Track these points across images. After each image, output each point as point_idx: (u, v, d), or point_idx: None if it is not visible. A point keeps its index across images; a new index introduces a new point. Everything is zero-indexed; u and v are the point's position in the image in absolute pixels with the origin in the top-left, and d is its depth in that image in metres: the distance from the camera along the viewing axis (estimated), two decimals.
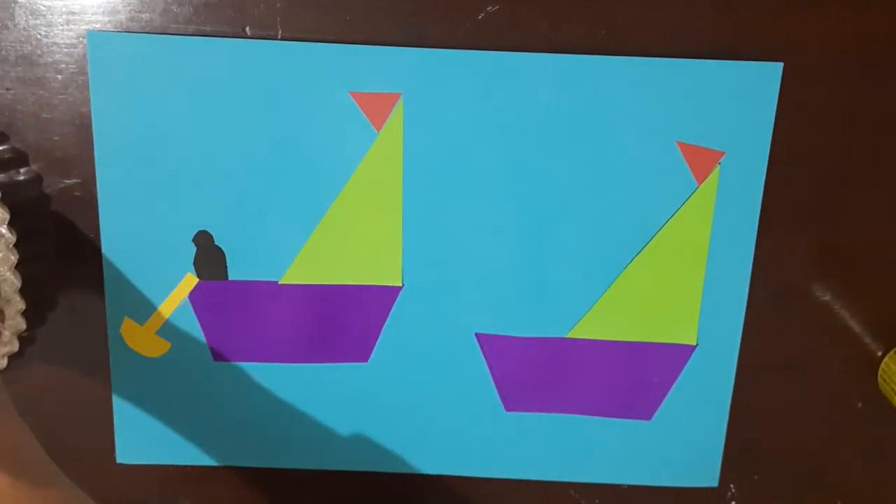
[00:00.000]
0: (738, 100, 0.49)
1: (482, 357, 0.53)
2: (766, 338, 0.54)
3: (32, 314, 0.50)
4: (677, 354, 0.53)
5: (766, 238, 0.52)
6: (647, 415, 0.54)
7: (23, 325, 0.48)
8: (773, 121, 0.49)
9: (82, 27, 0.48)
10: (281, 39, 0.48)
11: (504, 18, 0.48)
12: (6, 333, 0.48)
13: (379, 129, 0.49)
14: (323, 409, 0.54)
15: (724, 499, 0.57)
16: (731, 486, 0.57)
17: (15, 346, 0.48)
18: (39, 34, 0.48)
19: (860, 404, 0.55)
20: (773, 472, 0.57)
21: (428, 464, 0.55)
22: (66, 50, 0.48)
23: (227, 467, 0.55)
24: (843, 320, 0.54)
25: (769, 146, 0.50)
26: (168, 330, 0.52)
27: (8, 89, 0.48)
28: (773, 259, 0.52)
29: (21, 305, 0.48)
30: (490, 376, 0.54)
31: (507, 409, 0.54)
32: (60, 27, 0.47)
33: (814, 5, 0.48)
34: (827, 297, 0.53)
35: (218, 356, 0.53)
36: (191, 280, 0.52)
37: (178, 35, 0.48)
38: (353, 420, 0.54)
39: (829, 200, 0.51)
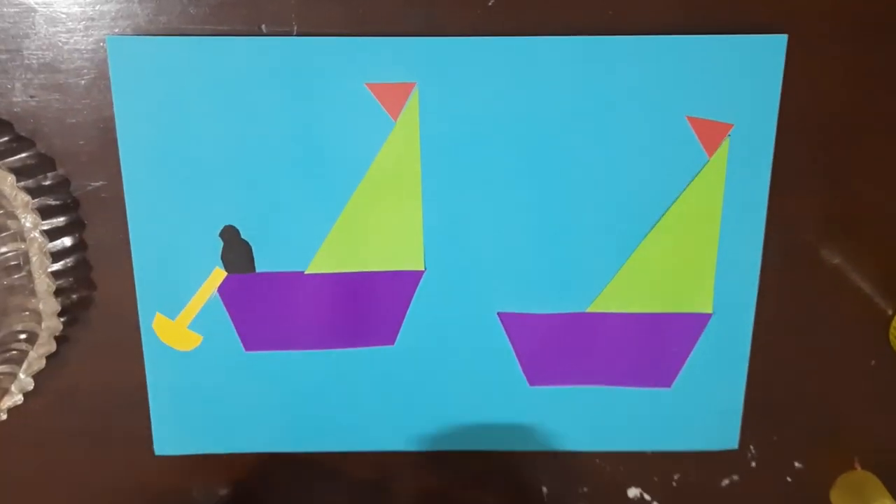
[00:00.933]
0: (745, 73, 0.50)
1: (505, 335, 0.55)
2: (781, 301, 0.55)
3: (67, 315, 0.52)
4: (694, 323, 0.54)
5: (777, 203, 0.52)
6: (667, 382, 0.56)
7: (59, 326, 0.50)
8: (779, 92, 0.50)
9: (102, 32, 0.48)
10: (296, 35, 0.49)
11: (514, 4, 0.49)
12: (43, 335, 0.49)
13: (396, 118, 0.50)
14: (353, 392, 0.55)
15: (744, 459, 0.58)
16: (751, 447, 0.58)
17: (52, 347, 0.50)
18: (60, 41, 0.48)
19: (873, 362, 0.57)
20: (792, 431, 0.58)
21: (456, 440, 0.57)
22: (87, 56, 0.49)
23: (262, 453, 0.57)
24: (854, 281, 0.55)
25: (777, 116, 0.51)
26: (199, 323, 0.53)
27: (32, 97, 0.49)
28: (786, 224, 0.53)
29: (56, 307, 0.49)
30: (513, 353, 0.55)
31: (532, 383, 0.56)
32: (80, 34, 0.48)
33: None
34: (838, 260, 0.54)
35: (249, 346, 0.54)
36: (219, 274, 0.53)
37: (195, 35, 0.49)
38: (382, 401, 0.56)
39: (838, 163, 0.52)
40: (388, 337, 0.54)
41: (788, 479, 0.59)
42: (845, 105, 0.51)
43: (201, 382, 0.54)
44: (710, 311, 0.54)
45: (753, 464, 0.58)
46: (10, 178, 0.47)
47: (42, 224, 0.48)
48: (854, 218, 0.54)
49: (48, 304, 0.48)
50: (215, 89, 0.49)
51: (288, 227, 0.52)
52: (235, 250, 0.52)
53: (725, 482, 0.59)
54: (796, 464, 0.59)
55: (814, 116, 0.51)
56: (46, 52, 0.49)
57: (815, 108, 0.51)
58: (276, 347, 0.54)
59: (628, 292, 0.54)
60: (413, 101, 0.50)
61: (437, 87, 0.50)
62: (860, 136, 0.52)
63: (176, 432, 0.55)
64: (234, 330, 0.54)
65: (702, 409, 0.56)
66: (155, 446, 0.56)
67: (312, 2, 0.49)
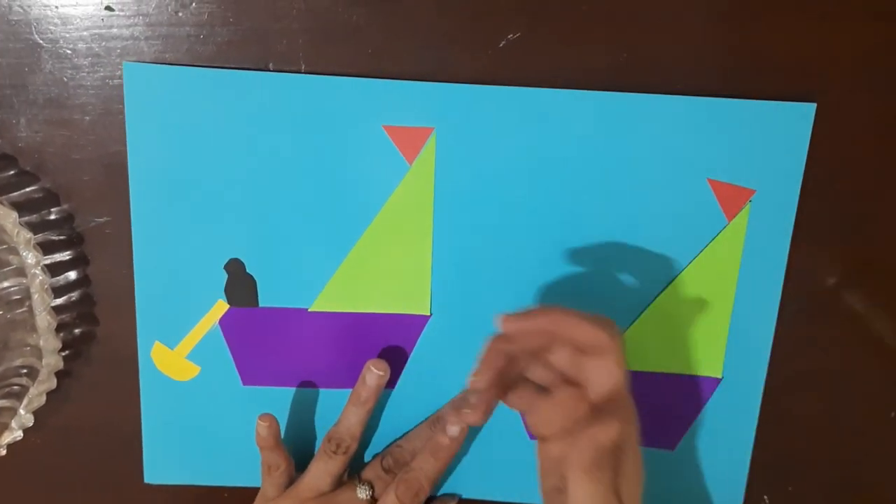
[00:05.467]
0: (771, 140, 0.48)
1: None
2: (799, 349, 0.53)
3: (69, 350, 0.52)
4: (702, 386, 0.53)
5: (798, 253, 0.51)
6: (670, 445, 0.54)
7: (60, 363, 0.50)
8: (804, 161, 0.49)
9: (108, 69, 0.48)
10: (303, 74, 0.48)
11: (525, 45, 0.48)
12: (43, 372, 0.49)
13: (411, 161, 0.49)
14: None
15: None
16: (765, 497, 0.57)
17: (52, 384, 0.50)
18: (66, 77, 0.48)
19: (893, 414, 0.55)
20: (807, 482, 0.57)
21: (455, 487, 0.56)
22: (92, 92, 0.48)
23: (253, 488, 0.55)
24: (875, 332, 0.53)
25: (800, 186, 0.49)
26: (198, 354, 0.53)
27: (37, 132, 0.49)
28: (806, 271, 0.52)
29: (57, 344, 0.49)
30: None
31: (534, 437, 0.55)
32: (86, 70, 0.47)
33: (842, 31, 0.48)
34: (858, 310, 0.53)
35: (247, 380, 0.54)
36: (222, 306, 0.52)
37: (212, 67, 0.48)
38: (380, 446, 0.55)
39: (859, 217, 0.51)
40: (389, 381, 0.53)
41: None
42: (869, 159, 0.50)
43: (196, 413, 0.54)
44: (719, 375, 0.53)
45: None
46: (14, 215, 0.46)
47: (44, 260, 0.48)
48: (876, 269, 0.53)
49: (49, 342, 0.48)
50: (229, 121, 0.49)
51: (294, 263, 0.51)
52: (240, 283, 0.52)
53: None
54: None
55: (836, 170, 0.50)
56: (52, 88, 0.48)
57: (839, 176, 0.50)
58: (273, 383, 0.54)
59: (637, 351, 0.52)
60: (430, 146, 0.49)
61: (455, 134, 0.49)
62: (884, 189, 0.51)
63: (167, 461, 0.55)
64: (233, 363, 0.53)
65: (705, 472, 0.55)
66: (145, 474, 0.55)
67: (321, 41, 0.48)
